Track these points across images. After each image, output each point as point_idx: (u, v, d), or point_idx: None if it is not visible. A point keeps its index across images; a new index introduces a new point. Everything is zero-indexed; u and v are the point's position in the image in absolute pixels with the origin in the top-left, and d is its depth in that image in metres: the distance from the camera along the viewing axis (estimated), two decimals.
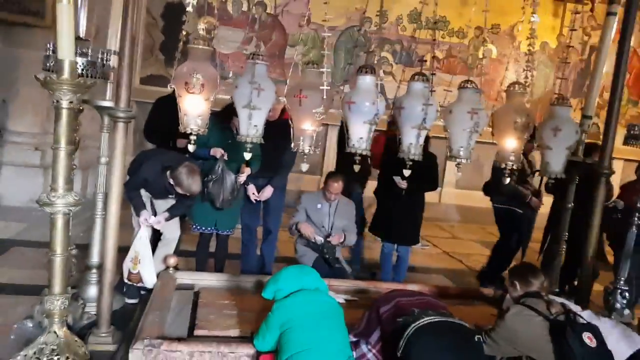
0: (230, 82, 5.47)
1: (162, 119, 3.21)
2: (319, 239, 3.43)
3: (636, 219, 2.69)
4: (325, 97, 2.39)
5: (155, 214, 3.11)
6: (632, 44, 7.47)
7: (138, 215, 3.01)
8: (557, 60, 6.78)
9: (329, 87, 2.49)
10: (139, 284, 3.04)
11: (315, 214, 3.51)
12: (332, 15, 6.45)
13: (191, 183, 2.85)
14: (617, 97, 2.68)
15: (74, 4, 1.95)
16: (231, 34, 6.51)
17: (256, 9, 6.64)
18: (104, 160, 2.78)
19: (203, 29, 2.51)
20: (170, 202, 3.10)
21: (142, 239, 3.03)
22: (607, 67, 7.69)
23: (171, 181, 2.89)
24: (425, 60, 2.94)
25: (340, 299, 2.74)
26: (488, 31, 7.07)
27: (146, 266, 3.03)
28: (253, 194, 3.43)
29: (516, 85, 2.64)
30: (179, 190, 2.91)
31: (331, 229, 3.50)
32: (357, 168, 2.54)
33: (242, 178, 3.27)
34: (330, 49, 6.72)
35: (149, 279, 3.02)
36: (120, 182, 2.37)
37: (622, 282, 2.74)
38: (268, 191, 3.47)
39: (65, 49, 1.90)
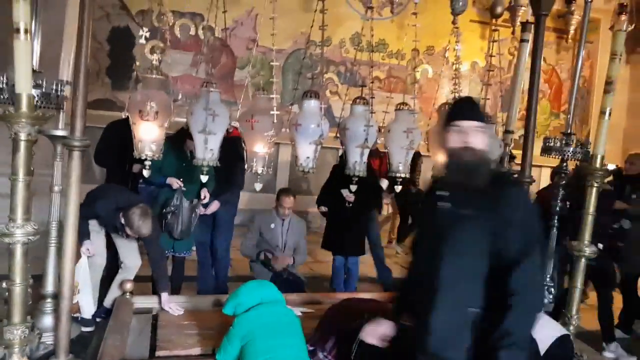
0: (180, 104, 5.58)
1: (114, 144, 3.28)
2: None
3: (555, 221, 3.04)
4: (275, 121, 2.56)
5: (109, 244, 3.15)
6: (551, 62, 8.11)
7: (81, 244, 2.98)
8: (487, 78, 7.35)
9: (278, 112, 2.68)
10: (76, 314, 2.99)
11: (268, 233, 3.65)
12: (279, 38, 6.69)
13: (141, 225, 2.87)
14: (532, 112, 3.01)
15: (30, 39, 2.04)
16: (180, 57, 6.59)
17: (204, 32, 6.76)
18: (57, 188, 2.82)
19: (156, 59, 2.63)
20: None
21: (81, 267, 2.99)
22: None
23: (122, 221, 2.91)
24: (365, 86, 3.19)
25: (298, 311, 2.88)
26: (423, 53, 7.60)
27: (85, 295, 3.04)
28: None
29: (446, 106, 2.93)
30: (128, 231, 2.93)
31: (284, 248, 3.66)
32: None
33: (203, 209, 3.36)
34: (278, 71, 6.94)
35: (87, 309, 3.05)
36: (76, 211, 2.42)
37: (547, 280, 3.06)
38: (214, 205, 3.52)
39: (23, 83, 1.98)
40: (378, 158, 4.74)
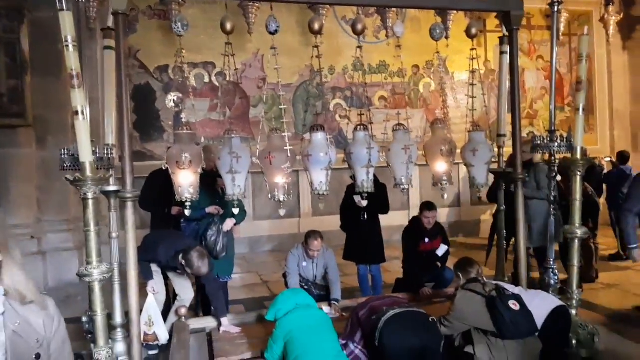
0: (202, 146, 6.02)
1: (155, 191, 3.79)
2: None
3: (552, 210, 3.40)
4: (289, 155, 3.01)
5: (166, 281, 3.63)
6: (549, 58, 8.33)
7: (146, 283, 3.52)
8: (487, 83, 7.71)
9: (292, 147, 3.13)
10: (155, 342, 3.49)
11: (301, 271, 4.04)
12: (286, 74, 7.23)
13: (201, 266, 3.38)
14: (517, 116, 3.37)
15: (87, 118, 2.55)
16: (198, 104, 7.17)
17: (217, 79, 7.36)
18: (115, 235, 3.31)
19: (183, 117, 3.12)
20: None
21: (151, 304, 3.52)
22: (532, 82, 8.58)
23: (183, 263, 3.42)
24: (366, 107, 3.61)
25: (332, 313, 3.30)
26: (423, 68, 8.03)
27: (159, 326, 3.52)
28: None
29: (438, 122, 3.34)
30: (188, 271, 3.46)
31: (317, 279, 4.04)
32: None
33: (227, 227, 3.87)
34: (288, 103, 7.46)
35: (163, 336, 3.51)
36: (135, 251, 2.90)
37: (552, 263, 3.38)
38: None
39: (85, 153, 2.48)
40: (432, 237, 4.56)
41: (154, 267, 3.59)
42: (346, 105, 7.80)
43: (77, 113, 2.50)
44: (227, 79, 7.16)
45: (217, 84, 7.27)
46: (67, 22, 2.60)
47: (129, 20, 6.53)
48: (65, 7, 2.62)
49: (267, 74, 7.43)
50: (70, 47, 2.55)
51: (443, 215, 7.61)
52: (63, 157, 2.88)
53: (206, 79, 7.30)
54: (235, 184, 2.93)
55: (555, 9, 3.59)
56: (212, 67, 7.29)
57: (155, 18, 7.07)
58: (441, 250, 4.35)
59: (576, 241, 3.05)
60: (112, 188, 3.19)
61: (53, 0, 5.86)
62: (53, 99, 5.66)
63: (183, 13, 6.16)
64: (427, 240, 4.30)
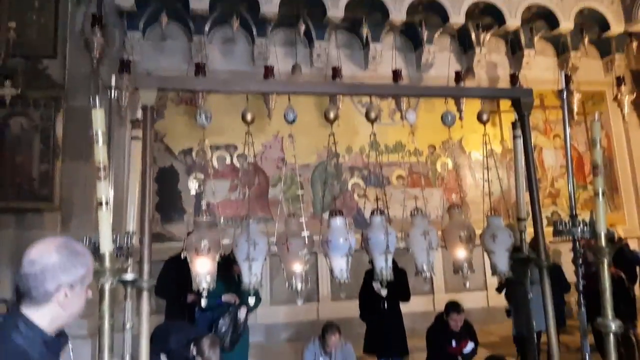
0: (223, 227, 6.10)
1: (172, 279, 3.78)
2: None
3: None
4: (307, 242, 3.01)
5: None
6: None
7: None
8: (505, 162, 7.75)
9: (309, 233, 3.13)
10: None
11: None
12: (304, 154, 7.41)
13: (212, 354, 3.34)
14: (535, 199, 3.33)
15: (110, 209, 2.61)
16: (218, 185, 7.35)
17: (238, 160, 7.58)
18: (129, 325, 3.26)
19: (204, 204, 3.18)
20: None
21: None
22: (551, 160, 8.59)
23: (194, 352, 3.36)
24: (379, 199, 3.63)
25: None
26: (439, 147, 8.15)
27: None
28: None
29: (455, 207, 3.33)
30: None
31: None
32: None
33: (243, 314, 3.79)
34: (307, 183, 7.58)
35: None
36: (148, 342, 2.84)
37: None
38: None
39: (106, 244, 2.51)
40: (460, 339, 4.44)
41: (163, 359, 3.50)
42: (364, 184, 7.88)
43: (100, 204, 2.58)
44: (248, 160, 7.37)
45: (237, 165, 7.49)
46: (98, 119, 2.75)
47: (157, 108, 6.91)
48: (98, 105, 2.80)
49: (286, 154, 7.64)
50: (100, 142, 2.68)
51: (469, 300, 7.24)
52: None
53: (228, 161, 7.52)
54: (252, 272, 2.91)
55: (564, 96, 3.66)
56: (234, 149, 7.54)
57: (182, 104, 7.46)
58: (468, 347, 4.14)
59: (611, 336, 2.88)
60: (129, 277, 3.19)
61: (88, 90, 6.32)
62: (80, 182, 5.89)
63: (208, 98, 6.54)
64: (454, 343, 4.10)
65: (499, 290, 4.84)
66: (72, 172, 5.90)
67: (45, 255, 1.54)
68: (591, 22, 8.02)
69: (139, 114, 3.37)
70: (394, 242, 3.16)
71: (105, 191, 2.59)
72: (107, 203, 2.58)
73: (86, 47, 6.25)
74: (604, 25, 7.94)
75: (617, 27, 7.90)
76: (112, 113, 6.05)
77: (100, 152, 2.66)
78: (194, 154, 7.44)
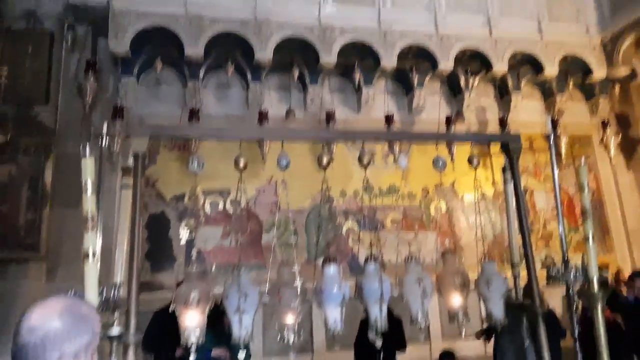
0: (215, 276, 5.98)
1: (160, 333, 3.66)
2: None
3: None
4: (299, 293, 2.94)
5: None
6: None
7: None
8: (497, 204, 7.77)
9: (302, 282, 3.07)
10: None
11: None
12: (298, 198, 7.39)
13: None
14: (528, 244, 3.30)
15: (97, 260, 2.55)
16: (210, 231, 7.25)
17: (231, 205, 7.53)
18: None
19: (193, 254, 3.13)
20: None
21: None
22: (543, 203, 8.62)
23: None
24: (373, 244, 3.58)
25: None
26: (433, 190, 8.18)
27: None
28: None
29: (448, 252, 3.29)
30: None
31: None
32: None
33: None
34: (301, 227, 7.50)
35: None
36: None
37: None
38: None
39: (91, 298, 2.44)
40: None
41: None
42: (358, 228, 7.83)
43: (87, 256, 2.53)
44: (241, 205, 7.33)
45: (230, 211, 7.42)
46: (88, 168, 2.75)
47: (149, 154, 6.91)
48: (88, 154, 2.79)
49: (279, 199, 7.61)
50: (89, 191, 2.66)
51: (466, 348, 7.07)
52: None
53: (220, 206, 7.46)
54: (243, 326, 2.82)
55: (552, 141, 3.71)
56: (227, 195, 7.49)
57: (175, 149, 7.46)
58: None
59: None
60: (115, 332, 3.08)
61: (79, 136, 6.29)
62: (68, 230, 5.78)
63: (201, 144, 6.56)
64: None
65: (480, 336, 4.68)
66: (60, 220, 5.80)
67: (47, 321, 1.39)
68: (575, 68, 8.27)
69: (131, 162, 3.35)
70: (389, 290, 3.10)
71: (92, 242, 2.54)
72: (94, 255, 2.52)
73: (79, 93, 6.30)
74: (588, 70, 8.18)
75: (599, 72, 8.13)
76: (103, 160, 6.10)
77: (89, 202, 2.64)
78: (186, 199, 7.37)
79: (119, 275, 3.28)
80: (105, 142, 4.37)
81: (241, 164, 3.41)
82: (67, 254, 5.79)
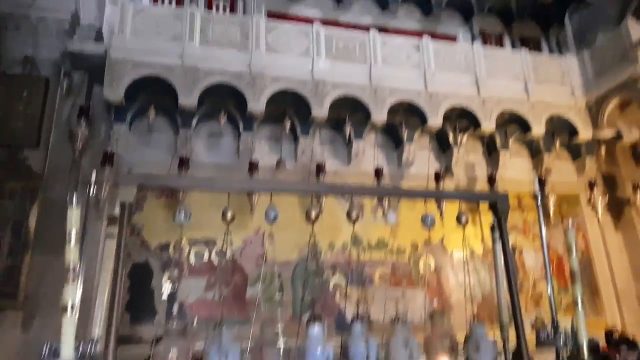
0: (195, 331, 5.78)
1: None
2: None
3: None
4: (281, 354, 2.84)
5: None
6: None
7: None
8: (487, 261, 7.73)
9: (285, 341, 2.97)
10: None
11: None
12: (286, 250, 7.28)
13: None
14: (516, 307, 3.25)
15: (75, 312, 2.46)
16: (194, 283, 7.04)
17: (217, 255, 7.38)
18: None
19: (175, 309, 3.03)
20: None
21: None
22: (532, 261, 8.58)
23: None
24: (359, 304, 3.51)
25: None
26: (421, 246, 8.13)
27: None
28: None
29: (436, 314, 3.23)
30: None
31: None
32: None
33: None
34: (287, 281, 7.34)
35: None
36: None
37: None
38: None
39: (67, 352, 2.34)
40: None
41: None
42: (345, 283, 7.68)
43: (65, 309, 2.44)
44: (227, 257, 7.19)
45: (215, 262, 7.26)
46: (74, 218, 2.70)
47: (137, 201, 6.82)
48: (74, 203, 2.76)
49: (266, 251, 7.48)
50: (72, 242, 2.60)
51: None
52: (44, 353, 2.73)
53: (205, 257, 7.30)
54: None
55: (539, 202, 3.75)
56: (213, 245, 7.35)
57: (163, 197, 7.38)
58: None
59: None
60: None
61: (67, 182, 6.21)
62: (49, 278, 5.60)
63: (189, 192, 6.51)
64: None
65: None
66: (40, 268, 5.63)
67: None
68: (561, 128, 8.49)
69: (117, 211, 3.31)
70: (375, 352, 3.01)
71: (72, 295, 2.46)
72: (72, 308, 2.44)
73: (70, 138, 6.31)
74: (574, 130, 8.39)
75: (585, 133, 8.35)
76: (89, 207, 6.01)
77: (72, 253, 2.57)
78: (171, 249, 7.22)
79: (97, 329, 3.16)
80: (92, 190, 4.33)
81: (229, 216, 3.38)
82: (45, 304, 5.57)
